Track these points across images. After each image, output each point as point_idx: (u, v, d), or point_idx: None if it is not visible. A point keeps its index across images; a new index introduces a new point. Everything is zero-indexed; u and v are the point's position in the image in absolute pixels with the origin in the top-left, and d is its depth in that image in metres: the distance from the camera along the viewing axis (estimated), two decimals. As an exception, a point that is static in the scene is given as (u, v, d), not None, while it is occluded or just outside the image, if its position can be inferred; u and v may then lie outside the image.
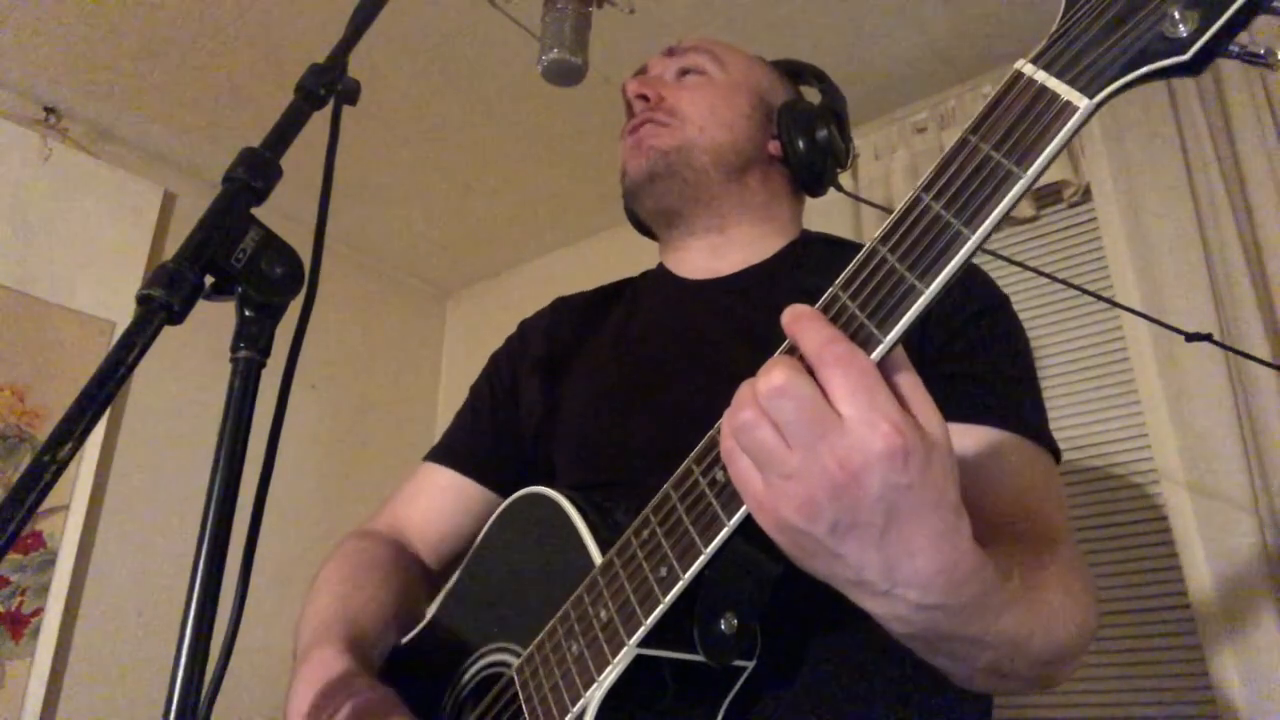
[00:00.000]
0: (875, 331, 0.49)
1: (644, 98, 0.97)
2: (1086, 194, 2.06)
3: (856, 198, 1.10)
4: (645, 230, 1.09)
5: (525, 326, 1.12)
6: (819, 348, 0.49)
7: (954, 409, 0.77)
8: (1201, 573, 1.67)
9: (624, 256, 1.26)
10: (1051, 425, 0.83)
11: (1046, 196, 2.11)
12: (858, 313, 0.51)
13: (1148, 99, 1.93)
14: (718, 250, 1.00)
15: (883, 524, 0.48)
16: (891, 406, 0.47)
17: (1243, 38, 0.47)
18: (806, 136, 0.99)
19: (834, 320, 0.51)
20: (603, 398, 0.95)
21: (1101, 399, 1.94)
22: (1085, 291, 1.33)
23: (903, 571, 0.50)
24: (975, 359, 0.82)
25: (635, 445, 0.87)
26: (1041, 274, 1.30)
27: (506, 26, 2.11)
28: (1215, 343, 1.26)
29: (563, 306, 1.11)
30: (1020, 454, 0.78)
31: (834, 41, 2.19)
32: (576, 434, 0.95)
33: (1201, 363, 1.74)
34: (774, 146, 1.00)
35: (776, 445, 0.49)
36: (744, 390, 0.51)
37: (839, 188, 1.04)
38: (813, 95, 1.07)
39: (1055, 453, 0.81)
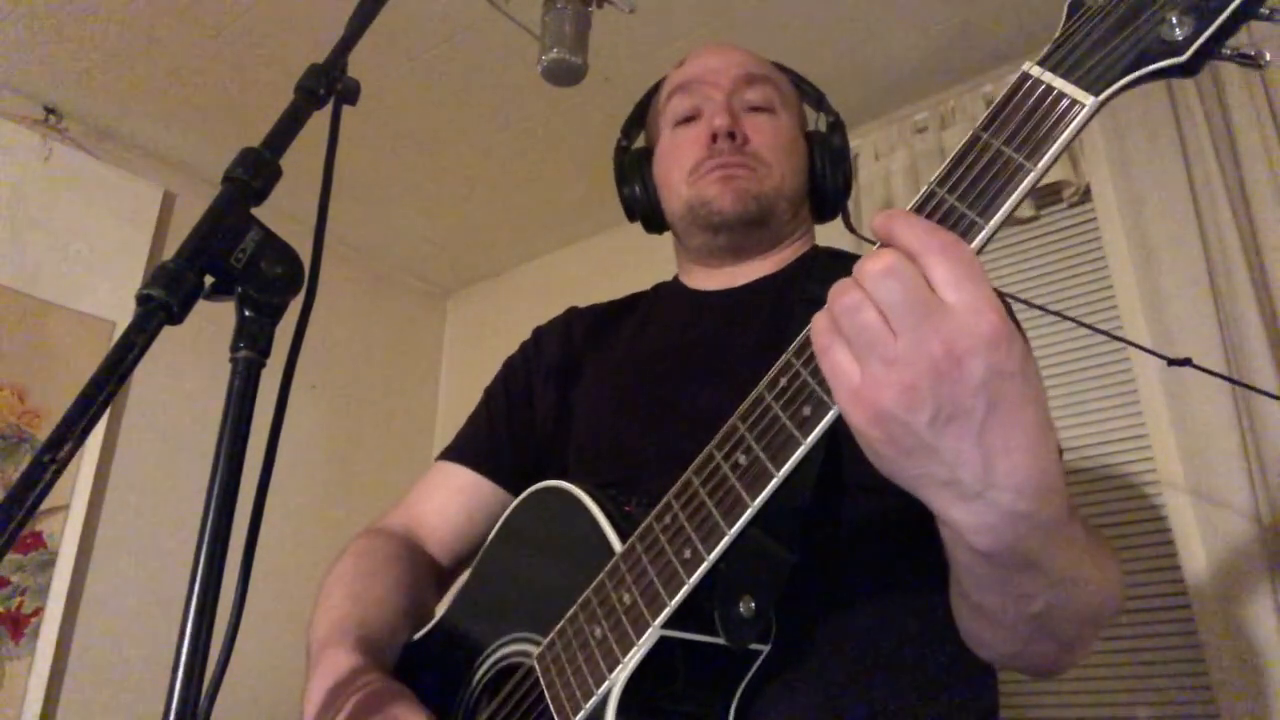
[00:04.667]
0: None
1: (732, 135, 0.97)
2: (1086, 194, 2.06)
3: (858, 235, 1.12)
4: (652, 227, 1.10)
5: (540, 333, 1.12)
6: (923, 235, 0.49)
7: None
8: (1201, 573, 1.67)
9: (624, 256, 1.27)
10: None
11: (1046, 196, 2.11)
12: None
13: (1148, 100, 1.93)
14: (743, 272, 1.02)
15: (983, 415, 0.48)
16: (995, 296, 0.48)
17: (1234, 41, 0.51)
18: (838, 173, 1.03)
19: None
20: (616, 405, 0.96)
21: (1102, 400, 1.94)
22: (1080, 322, 1.34)
23: (999, 470, 0.49)
24: None
25: (647, 451, 0.89)
26: (1034, 306, 1.31)
27: (506, 26, 2.11)
28: (1197, 367, 1.31)
29: (577, 316, 1.12)
30: None
31: (834, 41, 2.19)
32: (590, 440, 0.96)
33: (1202, 361, 1.74)
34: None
35: (880, 328, 0.48)
36: (844, 281, 0.51)
37: (847, 214, 1.08)
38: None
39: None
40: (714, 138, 0.96)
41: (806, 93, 1.10)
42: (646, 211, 1.07)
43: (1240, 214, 1.78)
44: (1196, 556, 1.68)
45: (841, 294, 0.50)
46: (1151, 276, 1.86)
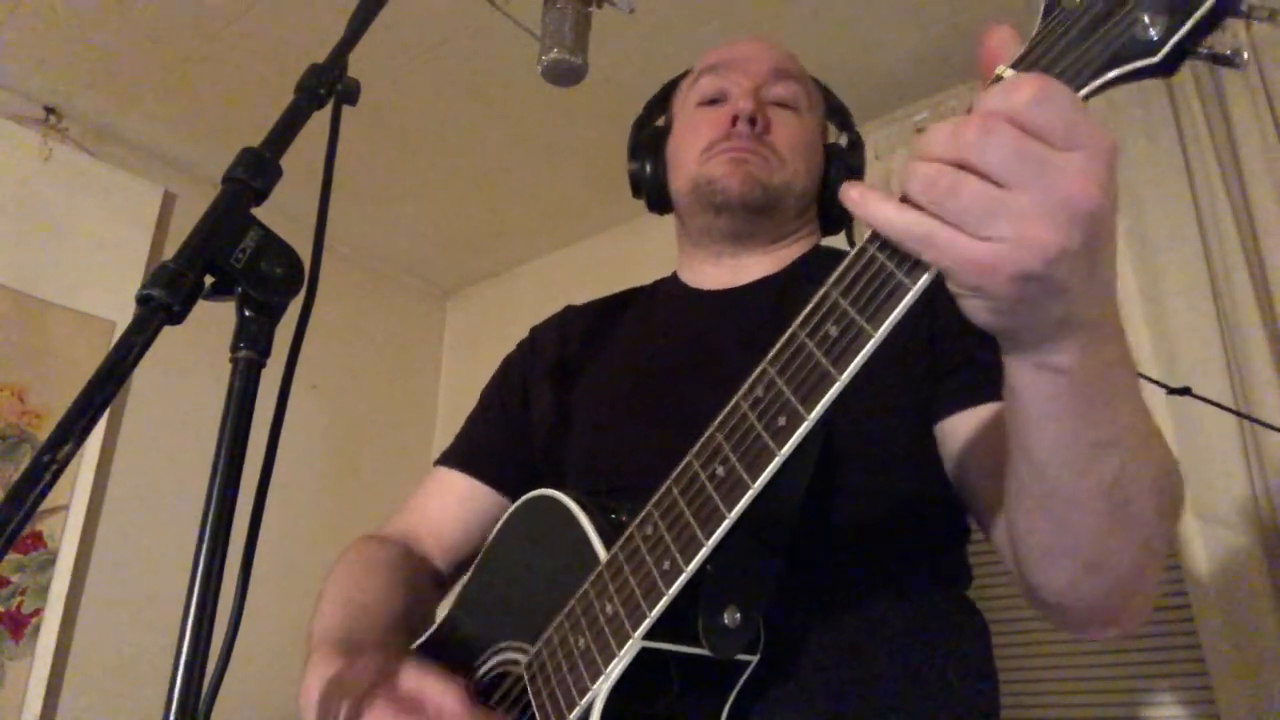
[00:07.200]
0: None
1: (753, 122, 0.96)
2: (1086, 194, 2.05)
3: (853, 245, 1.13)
4: (655, 206, 1.08)
5: (536, 333, 1.12)
6: (1018, 96, 0.47)
7: (981, 392, 0.78)
8: (1201, 573, 1.67)
9: (624, 256, 1.27)
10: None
11: (1046, 196, 2.11)
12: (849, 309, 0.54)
13: (1148, 100, 1.93)
14: (743, 267, 1.01)
15: (1109, 238, 0.49)
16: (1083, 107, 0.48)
17: (1211, 39, 0.49)
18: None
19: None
20: (614, 407, 0.96)
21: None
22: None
23: (1110, 289, 0.50)
24: (987, 342, 0.83)
25: (644, 454, 0.88)
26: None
27: (506, 26, 2.11)
28: (1196, 396, 1.32)
29: (573, 314, 1.12)
30: None
31: (834, 41, 2.19)
32: (587, 443, 0.95)
33: (1202, 362, 1.74)
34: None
35: (993, 191, 0.46)
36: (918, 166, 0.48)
37: (851, 232, 1.08)
38: None
39: None
40: (734, 121, 0.96)
41: (833, 107, 1.10)
42: (652, 189, 1.07)
43: (1240, 214, 1.78)
44: (1197, 557, 1.68)
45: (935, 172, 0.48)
46: (1151, 276, 1.86)
